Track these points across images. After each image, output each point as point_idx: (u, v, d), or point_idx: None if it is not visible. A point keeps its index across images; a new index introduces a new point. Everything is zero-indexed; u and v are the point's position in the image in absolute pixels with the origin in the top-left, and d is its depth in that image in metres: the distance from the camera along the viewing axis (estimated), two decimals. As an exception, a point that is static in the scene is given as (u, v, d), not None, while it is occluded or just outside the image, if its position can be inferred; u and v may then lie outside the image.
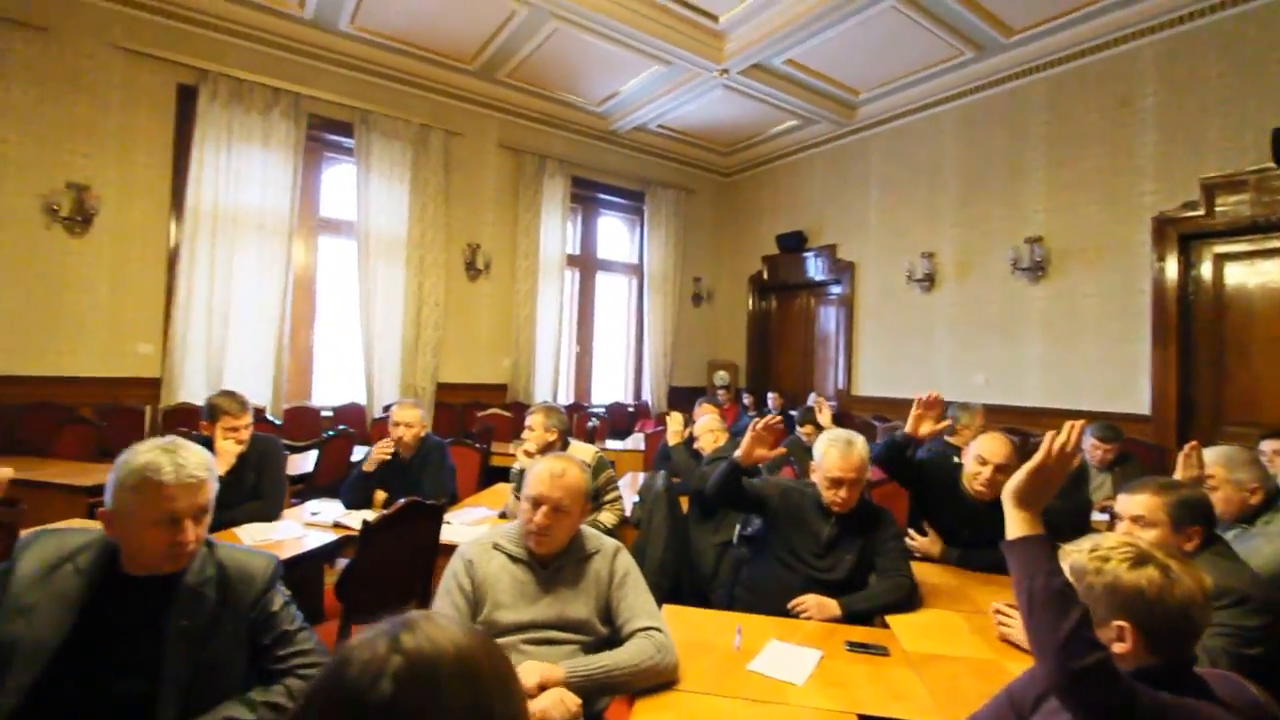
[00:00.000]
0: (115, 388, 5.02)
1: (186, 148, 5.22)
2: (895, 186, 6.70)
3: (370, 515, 2.61)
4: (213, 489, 1.30)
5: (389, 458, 2.89)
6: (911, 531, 2.52)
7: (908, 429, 2.47)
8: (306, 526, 2.54)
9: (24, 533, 1.30)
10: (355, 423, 5.62)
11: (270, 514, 2.61)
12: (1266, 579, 1.90)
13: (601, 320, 8.16)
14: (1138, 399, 4.79)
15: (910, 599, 2.02)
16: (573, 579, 1.62)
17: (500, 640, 1.51)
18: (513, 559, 1.61)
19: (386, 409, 5.90)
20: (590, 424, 6.13)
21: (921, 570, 2.27)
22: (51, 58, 4.79)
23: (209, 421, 2.51)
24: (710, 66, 5.88)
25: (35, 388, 4.70)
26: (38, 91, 4.75)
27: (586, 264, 8.00)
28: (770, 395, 6.47)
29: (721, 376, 7.85)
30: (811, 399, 4.43)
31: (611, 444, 5.51)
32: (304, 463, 4.09)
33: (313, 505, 2.88)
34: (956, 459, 2.82)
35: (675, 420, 3.75)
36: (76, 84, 4.88)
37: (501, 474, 4.27)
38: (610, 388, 8.26)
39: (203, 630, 1.25)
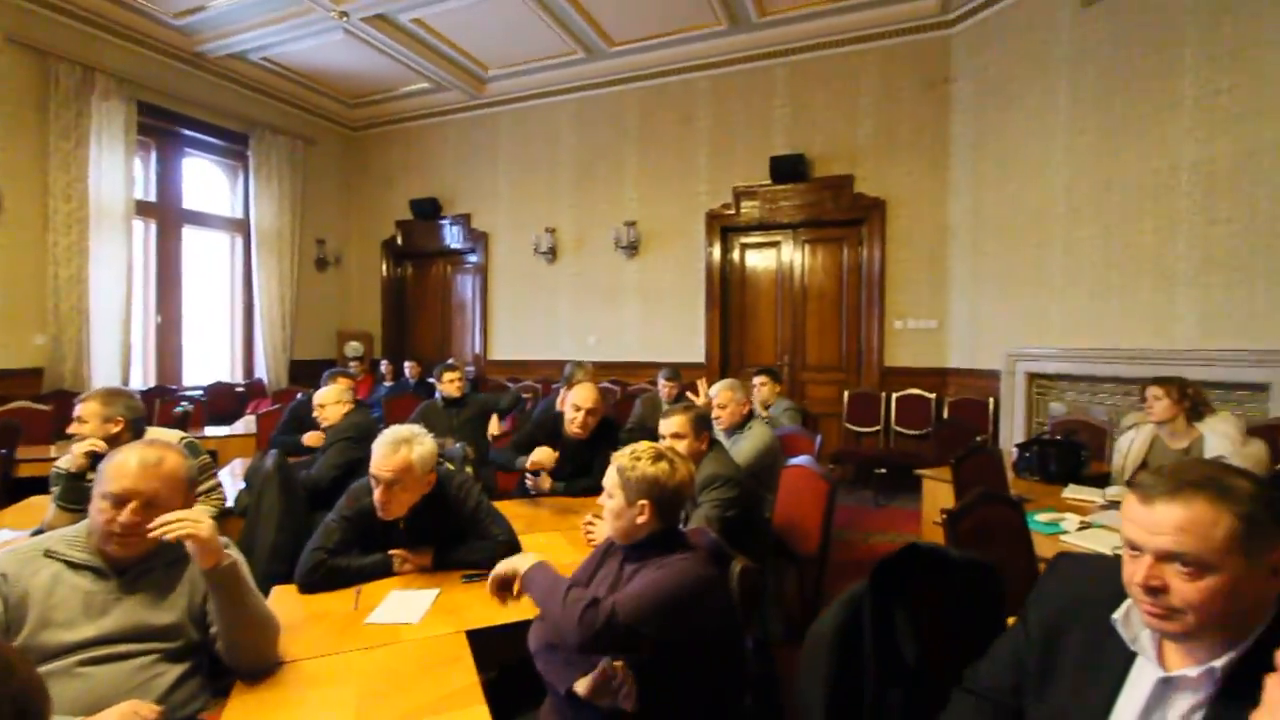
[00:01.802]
0: None
1: None
2: (523, 164, 7.18)
3: None
4: None
5: None
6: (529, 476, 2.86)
7: None
8: None
9: None
10: None
11: None
12: (743, 464, 2.82)
13: (194, 285, 6.74)
14: (697, 350, 6.31)
15: (502, 556, 1.92)
16: (163, 583, 1.43)
17: (48, 667, 1.27)
18: (74, 566, 1.35)
19: None
20: (180, 409, 5.09)
21: (538, 503, 2.68)
22: None
23: None
24: (327, 4, 5.33)
25: None
26: None
27: (167, 215, 6.45)
28: (407, 364, 6.36)
29: (354, 347, 7.36)
30: (447, 364, 4.55)
31: (213, 430, 4.71)
32: None
33: None
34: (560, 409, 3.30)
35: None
36: None
37: (36, 485, 3.28)
38: (212, 366, 6.93)
39: None
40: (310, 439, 3.46)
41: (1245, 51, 3.70)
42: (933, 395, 5.48)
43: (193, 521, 1.34)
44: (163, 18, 5.74)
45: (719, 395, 3.05)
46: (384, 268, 8.04)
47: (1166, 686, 0.94)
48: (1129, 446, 2.92)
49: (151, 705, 1.26)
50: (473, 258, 7.60)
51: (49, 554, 1.36)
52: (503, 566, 1.58)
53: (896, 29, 5.57)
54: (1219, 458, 2.65)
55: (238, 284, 7.13)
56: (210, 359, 6.94)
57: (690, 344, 6.34)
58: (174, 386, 6.16)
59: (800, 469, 2.65)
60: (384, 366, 6.74)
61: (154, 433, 2.37)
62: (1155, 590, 0.90)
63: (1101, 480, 2.97)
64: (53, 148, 5.27)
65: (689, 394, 4.14)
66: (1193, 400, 2.75)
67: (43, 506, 2.63)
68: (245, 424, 4.89)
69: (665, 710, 1.39)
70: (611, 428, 3.11)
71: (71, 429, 2.17)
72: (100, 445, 2.19)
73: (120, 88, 5.64)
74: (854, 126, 5.78)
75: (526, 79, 6.90)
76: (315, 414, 3.24)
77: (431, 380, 6.16)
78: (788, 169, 5.83)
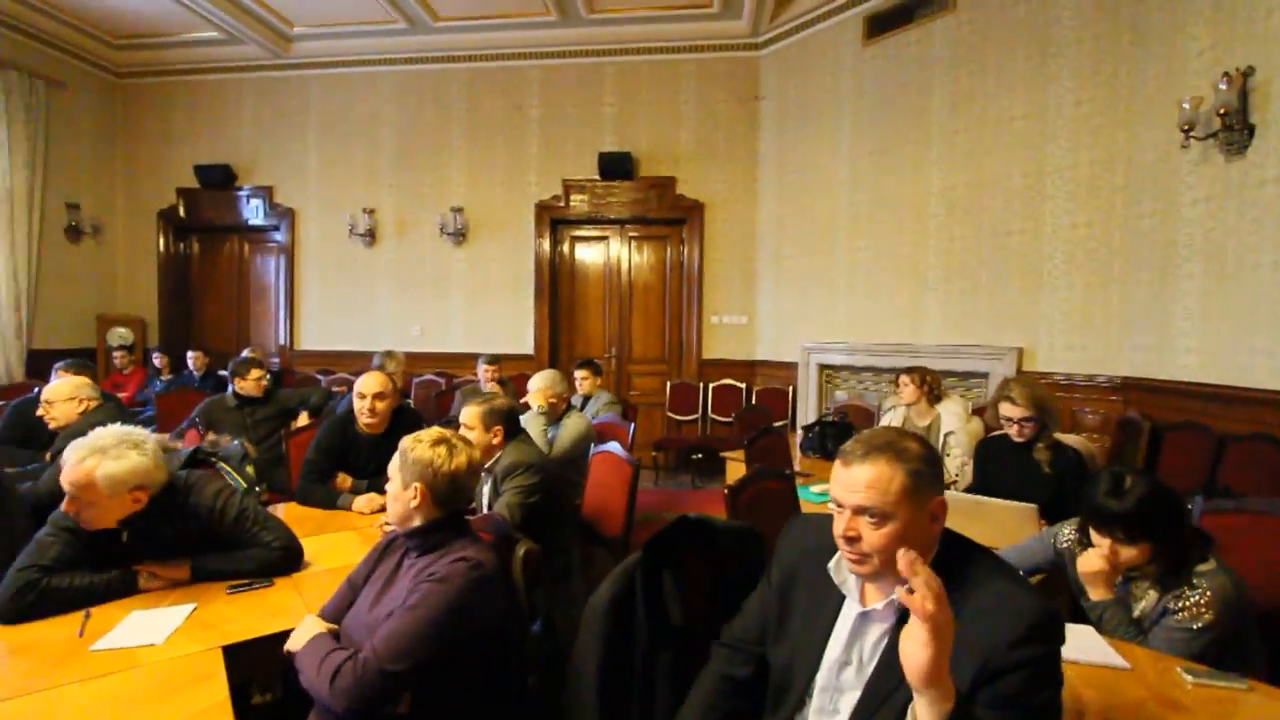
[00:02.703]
0: None
1: None
2: (337, 136, 6.58)
3: None
4: None
5: None
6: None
7: None
8: None
9: None
10: None
11: None
12: (557, 453, 2.87)
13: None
14: (526, 342, 6.27)
15: (284, 564, 1.90)
16: None
17: None
18: None
19: None
20: None
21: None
22: None
23: None
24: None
25: None
26: None
27: None
28: (191, 354, 5.55)
29: (121, 335, 6.24)
30: (245, 354, 4.03)
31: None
32: None
33: None
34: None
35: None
36: None
37: None
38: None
39: None
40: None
41: (974, 101, 4.51)
42: (743, 385, 5.99)
43: None
44: None
45: (540, 391, 3.07)
46: (161, 242, 6.89)
47: (864, 619, 1.13)
48: (887, 425, 3.45)
49: None
50: (277, 236, 6.80)
51: None
52: (289, 644, 1.45)
53: (712, 44, 5.97)
54: (950, 432, 3.23)
55: (-54, 253, 5.70)
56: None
57: (519, 336, 6.27)
58: None
59: (606, 455, 2.75)
60: (158, 359, 5.80)
61: None
62: (851, 539, 1.08)
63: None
64: None
65: None
66: (931, 386, 3.31)
67: None
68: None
69: (443, 704, 1.37)
70: (414, 418, 2.98)
71: None
72: None
73: None
74: (677, 131, 6.09)
75: (340, 43, 6.32)
76: (42, 412, 2.71)
77: (223, 373, 5.44)
78: (616, 166, 5.99)
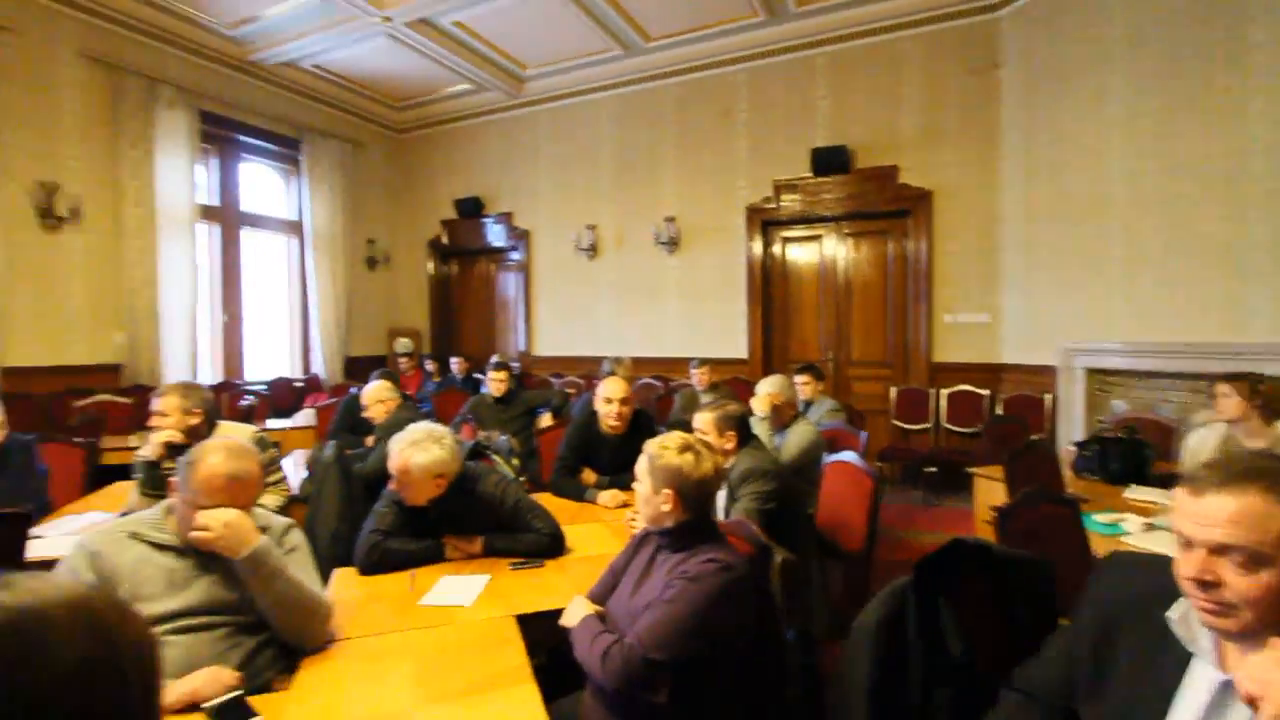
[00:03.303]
0: None
1: None
2: (562, 161, 7.27)
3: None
4: None
5: None
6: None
7: None
8: None
9: None
10: None
11: None
12: (786, 461, 2.82)
13: (255, 285, 7.06)
14: (739, 346, 6.28)
15: (552, 549, 2.13)
16: (230, 562, 1.52)
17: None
18: (157, 546, 1.46)
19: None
20: (245, 403, 5.37)
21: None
22: None
23: None
24: (371, 11, 5.49)
25: None
26: None
27: (229, 217, 6.78)
28: (454, 360, 6.53)
29: (404, 344, 7.57)
30: (492, 361, 4.66)
31: (275, 423, 4.94)
32: None
33: None
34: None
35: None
36: None
37: (117, 472, 3.52)
38: (272, 361, 7.26)
39: None
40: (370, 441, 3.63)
41: (1326, 24, 3.48)
42: (986, 392, 5.32)
43: (203, 530, 1.43)
44: (219, 29, 6.02)
45: (768, 395, 3.05)
46: (430, 266, 8.26)
47: (1228, 690, 0.92)
48: (1199, 446, 2.79)
49: (232, 671, 1.36)
50: (515, 255, 7.74)
51: (134, 535, 1.47)
52: (563, 619, 1.61)
53: (940, 14, 5.41)
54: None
55: (294, 283, 7.44)
56: (271, 355, 7.26)
57: (732, 340, 6.32)
58: (239, 381, 6.48)
59: (844, 465, 2.63)
60: (429, 364, 6.93)
61: (225, 427, 2.52)
62: (1208, 585, 0.89)
63: (1168, 481, 2.85)
64: (123, 156, 5.60)
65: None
66: (1265, 397, 2.61)
67: (126, 491, 2.83)
68: (305, 417, 5.12)
69: (701, 702, 1.41)
70: (649, 421, 3.15)
71: (153, 421, 2.32)
72: (177, 437, 2.35)
73: (182, 97, 5.94)
74: (897, 116, 5.65)
75: (564, 77, 6.97)
76: (365, 413, 3.39)
77: (479, 376, 6.32)
78: (829, 161, 5.74)
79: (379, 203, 8.15)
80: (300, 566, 1.58)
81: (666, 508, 1.53)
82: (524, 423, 4.25)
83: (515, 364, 7.21)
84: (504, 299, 7.98)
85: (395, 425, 3.21)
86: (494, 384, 4.30)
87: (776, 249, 6.33)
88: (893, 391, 5.65)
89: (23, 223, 5.03)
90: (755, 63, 6.17)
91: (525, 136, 7.50)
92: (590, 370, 6.69)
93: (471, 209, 7.71)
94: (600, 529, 2.46)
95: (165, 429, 2.31)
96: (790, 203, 6.08)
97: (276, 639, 1.52)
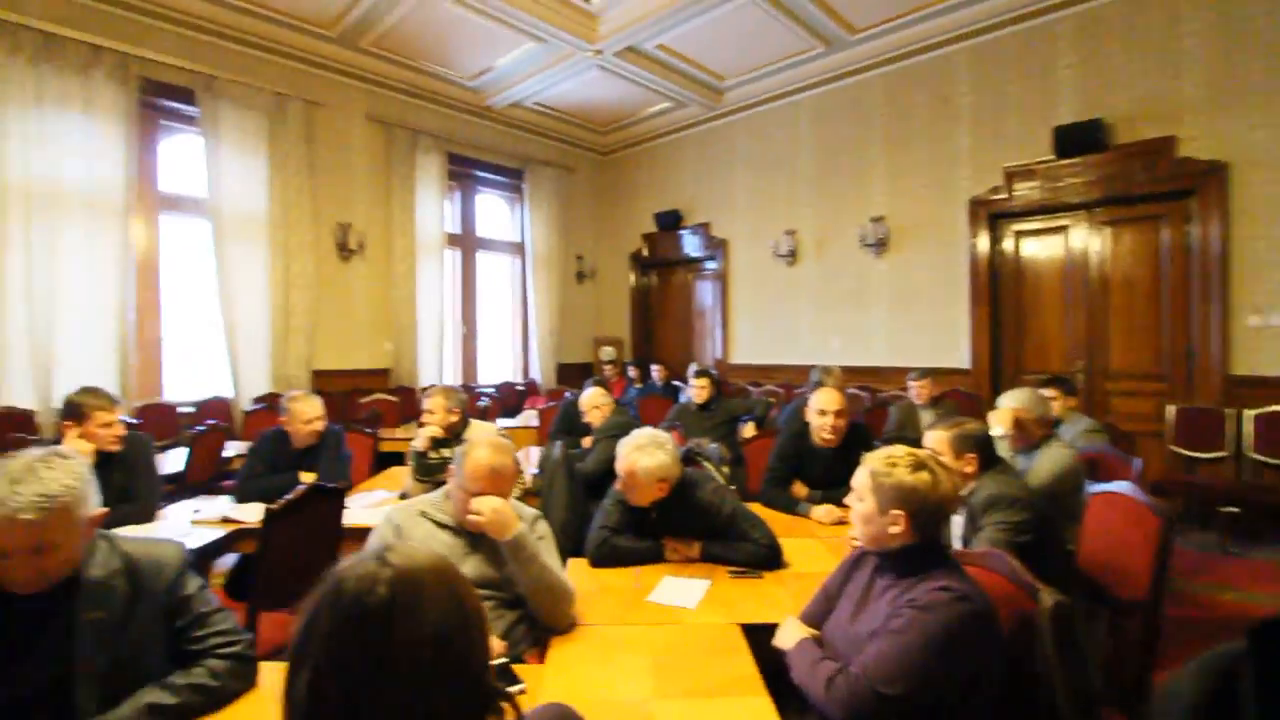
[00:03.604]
0: (-91, 394, 4.31)
1: (-19, 111, 4.50)
2: (760, 168, 7.21)
3: (259, 508, 2.56)
4: (63, 522, 1.19)
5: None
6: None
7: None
8: (192, 524, 2.44)
9: None
10: (221, 417, 5.23)
11: (145, 516, 2.47)
12: (1037, 486, 2.45)
13: (485, 300, 8.08)
14: (960, 354, 5.64)
15: (769, 561, 2.09)
16: (494, 544, 1.71)
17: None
18: (439, 525, 1.72)
19: (260, 401, 5.55)
20: (481, 404, 6.13)
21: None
22: None
23: (72, 421, 2.32)
24: (584, 46, 5.97)
25: None
26: None
27: (467, 243, 7.85)
28: (654, 367, 6.80)
29: (608, 352, 8.10)
30: (692, 369, 4.76)
31: (504, 422, 5.57)
32: (166, 462, 3.80)
33: (193, 503, 2.75)
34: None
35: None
36: None
37: (392, 459, 4.22)
38: (498, 368, 8.23)
39: (118, 621, 1.26)
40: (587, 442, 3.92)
41: None
42: (1310, 413, 4.14)
43: (476, 514, 1.62)
44: (462, 81, 7.00)
45: (1012, 410, 2.68)
46: (632, 278, 8.73)
47: None
48: None
49: (496, 639, 1.54)
50: (712, 264, 7.85)
51: (423, 514, 1.75)
52: (777, 640, 1.56)
53: (1243, -59, 4.36)
54: None
55: (516, 298, 8.37)
56: (497, 362, 8.24)
57: (950, 347, 5.71)
58: (474, 385, 7.46)
59: (1117, 497, 2.20)
60: (632, 370, 7.30)
61: (475, 425, 2.89)
62: None
63: None
64: (393, 196, 6.77)
65: None
66: None
67: (401, 474, 3.38)
68: (527, 417, 5.70)
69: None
70: (865, 435, 2.96)
71: (423, 418, 2.74)
72: (439, 432, 2.75)
73: (435, 143, 7.02)
74: (1174, 76, 4.66)
75: (762, 83, 6.91)
76: (584, 418, 3.66)
77: (678, 383, 6.51)
78: (1078, 139, 4.93)
79: (586, 221, 8.83)
80: (549, 553, 1.74)
81: (896, 529, 1.41)
82: (726, 430, 4.26)
83: (711, 371, 7.29)
84: (701, 307, 8.14)
85: (610, 428, 3.45)
86: (697, 391, 4.38)
87: (1008, 244, 5.59)
88: (1169, 410, 4.62)
89: (328, 255, 6.32)
90: (980, 39, 5.54)
91: (722, 147, 7.59)
92: (789, 379, 6.52)
93: (670, 221, 7.99)
94: (817, 546, 2.36)
95: (432, 424, 2.71)
96: (1025, 191, 5.34)
97: (528, 616, 1.69)
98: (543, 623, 1.66)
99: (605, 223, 9.00)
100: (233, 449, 4.29)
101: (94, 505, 1.27)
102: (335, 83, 6.33)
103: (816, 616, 1.62)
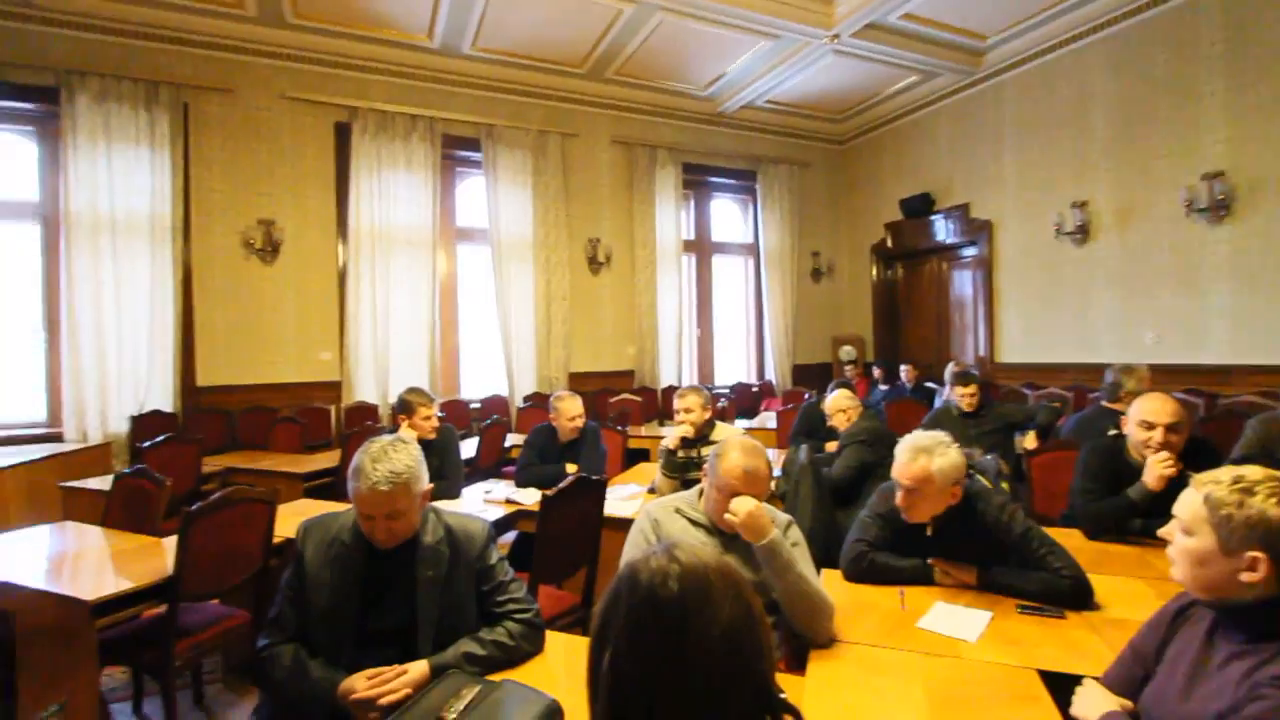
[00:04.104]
0: (306, 391, 5.83)
1: (345, 177, 5.93)
2: (1034, 134, 6.14)
3: (535, 493, 2.90)
4: (407, 494, 1.46)
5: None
6: None
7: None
8: (485, 503, 2.87)
9: (301, 521, 1.63)
10: (500, 412, 6.13)
11: (452, 493, 2.97)
12: None
13: (720, 303, 8.23)
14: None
15: (1074, 597, 1.73)
16: (748, 546, 1.67)
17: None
18: (693, 523, 1.76)
19: (528, 399, 6.37)
20: (719, 404, 6.25)
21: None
22: (237, 114, 5.62)
23: (404, 415, 2.91)
24: (819, 34, 5.72)
25: (248, 394, 5.59)
26: (230, 144, 5.60)
27: (702, 248, 8.09)
28: (903, 367, 6.22)
29: (847, 351, 7.65)
30: (951, 370, 4.22)
31: (741, 423, 5.59)
32: (462, 449, 4.55)
33: (484, 485, 3.24)
34: (1114, 429, 2.60)
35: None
36: (257, 133, 5.69)
37: (640, 455, 4.51)
38: (733, 369, 8.32)
39: (444, 578, 1.55)
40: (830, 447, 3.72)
41: None
42: None
43: (732, 514, 1.60)
44: (695, 93, 7.22)
45: None
46: (874, 271, 8.12)
47: None
48: None
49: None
50: (971, 250, 6.92)
51: (678, 510, 1.79)
52: (1076, 709, 1.27)
53: None
54: None
55: (750, 299, 8.36)
56: (731, 363, 8.33)
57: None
58: (710, 385, 7.64)
59: None
60: (876, 371, 6.77)
61: (720, 427, 2.93)
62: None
63: None
64: (634, 211, 7.25)
65: None
66: None
67: (648, 470, 3.57)
68: (763, 419, 5.64)
69: None
70: (1211, 452, 2.29)
71: (679, 416, 2.86)
72: (689, 431, 2.83)
73: (671, 156, 7.37)
74: None
75: (1034, 34, 5.88)
76: (829, 422, 3.45)
77: (930, 385, 5.87)
78: None
79: (822, 216, 8.46)
80: (804, 561, 1.66)
81: (1251, 577, 1.06)
82: (997, 440, 3.68)
83: (973, 370, 6.44)
84: (959, 300, 7.22)
85: (859, 433, 3.21)
86: (963, 399, 3.85)
87: None
88: None
89: (580, 270, 7.02)
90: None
91: (983, 116, 6.65)
92: (1078, 380, 5.44)
93: (919, 207, 7.25)
94: (1136, 587, 1.88)
95: (688, 423, 2.81)
96: None
97: (782, 623, 1.62)
98: (799, 633, 1.58)
99: (842, 216, 8.53)
100: (510, 440, 4.98)
101: (425, 482, 1.55)
102: (585, 114, 7.01)
103: (1123, 682, 1.29)
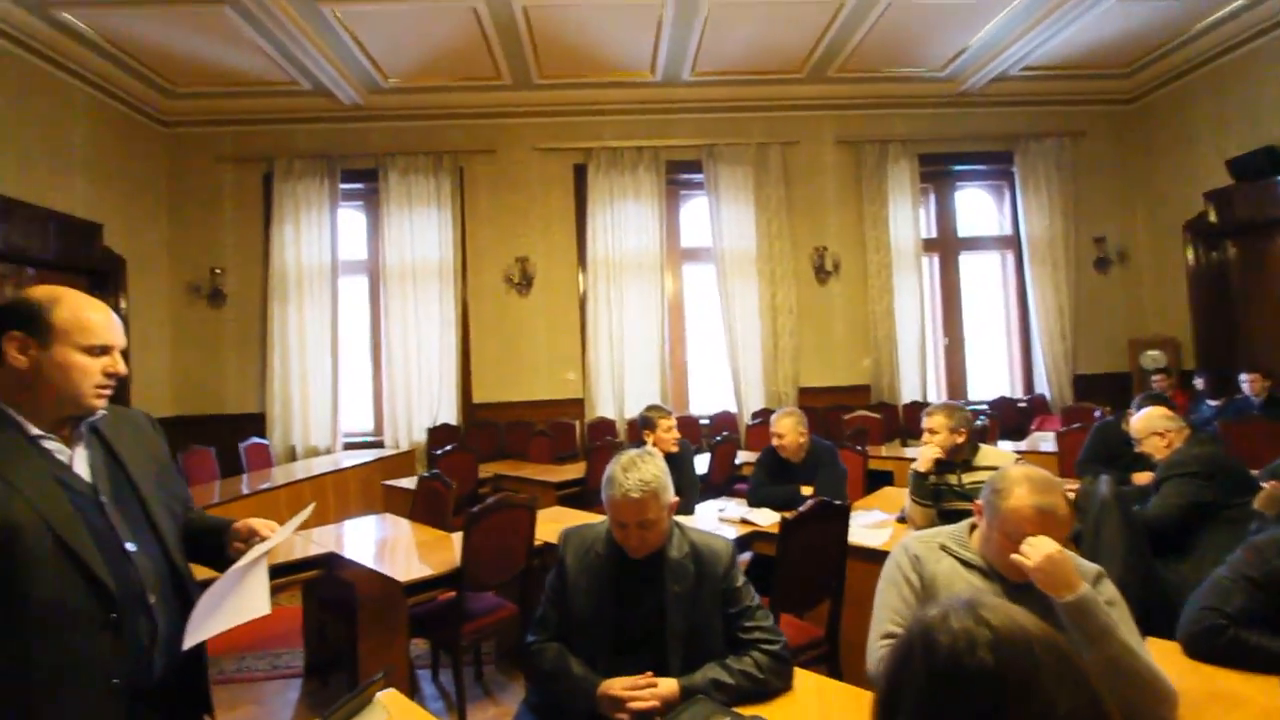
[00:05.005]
0: (556, 407, 6.49)
1: (583, 212, 6.54)
2: None
3: (770, 514, 2.78)
4: (656, 502, 1.51)
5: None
6: None
7: None
8: (720, 521, 2.83)
9: (562, 529, 1.75)
10: (729, 428, 6.11)
11: (687, 509, 3.00)
12: None
13: (971, 306, 7.23)
14: None
15: None
16: (1043, 600, 1.32)
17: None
18: (965, 564, 1.48)
19: (756, 415, 6.27)
20: (977, 423, 5.44)
21: None
22: (498, 169, 6.57)
23: (647, 430, 3.04)
24: (1096, -27, 4.75)
25: (511, 410, 6.42)
26: (493, 195, 6.57)
27: (946, 246, 7.22)
28: (1245, 377, 4.75)
29: (1154, 358, 6.11)
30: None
31: (1005, 444, 4.79)
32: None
33: (718, 503, 3.22)
34: None
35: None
36: (513, 183, 6.59)
37: (881, 477, 4.10)
38: (991, 381, 7.21)
39: (689, 594, 1.55)
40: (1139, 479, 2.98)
41: None
42: None
43: (1024, 557, 1.30)
44: (931, 75, 6.49)
45: None
46: (1189, 255, 6.40)
47: None
48: None
49: None
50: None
51: (943, 548, 1.53)
52: None
53: None
54: None
55: (1011, 300, 7.20)
56: (990, 375, 7.23)
57: None
58: (961, 401, 6.71)
59: None
60: (1198, 382, 5.30)
61: (986, 451, 2.51)
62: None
63: None
64: (864, 213, 6.75)
65: None
66: None
67: (894, 495, 3.22)
68: (1035, 440, 4.76)
69: None
70: None
71: (924, 437, 2.52)
72: (939, 453, 2.48)
73: (905, 149, 6.72)
74: None
75: None
76: (1140, 446, 2.73)
77: (1291, 397, 4.43)
78: None
79: (1106, 194, 6.95)
80: (1128, 628, 1.29)
81: None
82: None
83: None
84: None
85: (1187, 463, 2.47)
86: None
87: None
88: None
89: (807, 280, 6.74)
90: None
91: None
92: None
93: (1259, 166, 5.54)
94: None
95: (933, 444, 2.46)
96: None
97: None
98: (1124, 721, 1.22)
99: (1136, 190, 6.92)
100: (741, 457, 4.92)
101: (672, 493, 1.59)
102: (805, 119, 6.76)
103: None
